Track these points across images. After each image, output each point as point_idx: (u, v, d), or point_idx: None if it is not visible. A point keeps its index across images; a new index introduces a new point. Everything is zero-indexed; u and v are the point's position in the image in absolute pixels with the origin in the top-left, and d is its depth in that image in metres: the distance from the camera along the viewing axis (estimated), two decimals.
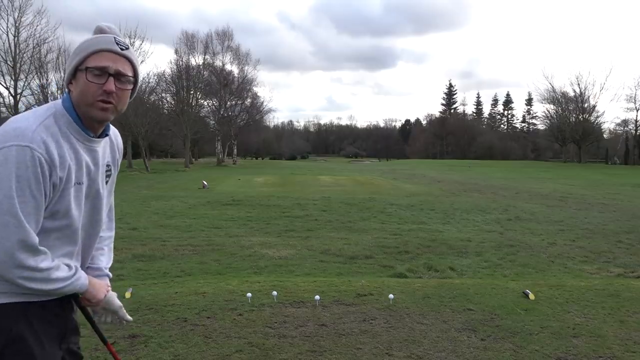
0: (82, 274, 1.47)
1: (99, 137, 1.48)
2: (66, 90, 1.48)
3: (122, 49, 1.43)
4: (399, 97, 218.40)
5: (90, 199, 1.48)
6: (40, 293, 1.37)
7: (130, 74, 1.45)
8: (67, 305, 1.51)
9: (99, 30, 1.46)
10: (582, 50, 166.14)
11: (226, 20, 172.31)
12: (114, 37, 1.43)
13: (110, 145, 1.58)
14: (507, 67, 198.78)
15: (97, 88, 1.38)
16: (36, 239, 1.31)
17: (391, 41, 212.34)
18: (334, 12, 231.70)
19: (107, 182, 1.57)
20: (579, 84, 60.32)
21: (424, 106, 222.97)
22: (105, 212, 1.59)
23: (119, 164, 1.67)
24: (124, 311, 1.69)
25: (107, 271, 1.69)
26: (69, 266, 1.42)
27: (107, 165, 1.55)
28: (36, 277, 1.32)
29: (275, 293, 4.21)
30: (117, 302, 1.66)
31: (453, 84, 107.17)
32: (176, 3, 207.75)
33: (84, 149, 1.42)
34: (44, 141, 1.31)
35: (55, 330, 1.44)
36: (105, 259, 1.70)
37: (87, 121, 1.43)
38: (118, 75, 1.41)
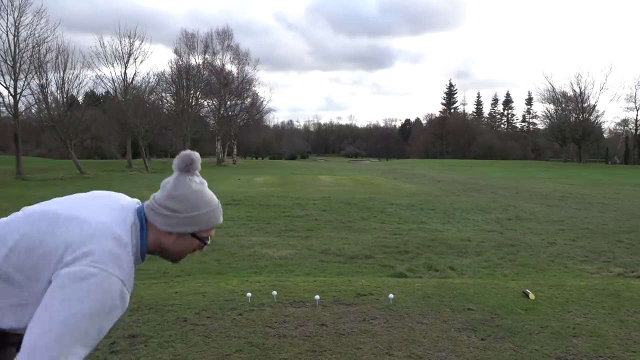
0: None
1: None
2: (160, 216, 1.44)
3: None
4: (397, 97, 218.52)
5: None
6: None
7: None
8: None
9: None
10: (581, 49, 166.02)
11: (222, 20, 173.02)
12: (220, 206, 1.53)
13: None
14: (506, 66, 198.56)
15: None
16: None
17: (388, 41, 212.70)
18: (330, 12, 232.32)
19: None
20: (578, 84, 60.35)
21: (423, 106, 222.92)
22: None
23: None
24: None
25: None
26: None
27: None
28: None
29: (275, 293, 4.21)
30: None
31: (453, 84, 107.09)
32: (172, 3, 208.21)
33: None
34: (129, 274, 1.31)
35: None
36: None
37: (151, 252, 1.47)
38: None
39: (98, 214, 1.36)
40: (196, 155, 1.47)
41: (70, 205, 1.41)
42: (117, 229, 1.34)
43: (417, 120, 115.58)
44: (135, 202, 1.52)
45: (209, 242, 1.51)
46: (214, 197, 1.51)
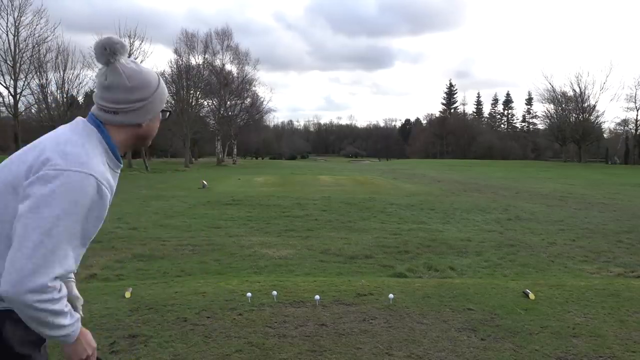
0: (79, 322, 1.36)
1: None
2: (98, 113, 1.43)
3: None
4: (397, 97, 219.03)
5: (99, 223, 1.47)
6: (31, 326, 1.26)
7: None
8: None
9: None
10: (581, 49, 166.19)
11: (222, 20, 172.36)
12: None
13: None
14: (506, 66, 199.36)
15: None
16: (67, 272, 1.26)
17: (387, 41, 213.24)
18: (330, 12, 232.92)
19: None
20: (578, 84, 60.42)
21: (423, 106, 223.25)
22: None
23: None
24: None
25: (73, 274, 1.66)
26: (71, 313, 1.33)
27: None
28: (47, 309, 1.21)
29: (275, 293, 4.21)
30: (77, 293, 1.64)
31: (453, 84, 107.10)
32: (172, 3, 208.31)
33: (113, 177, 1.43)
34: (104, 171, 1.32)
35: (35, 336, 1.37)
36: None
37: (122, 149, 1.46)
38: None
39: (46, 137, 1.39)
40: (109, 38, 1.40)
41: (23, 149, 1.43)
42: (67, 135, 1.35)
43: (417, 120, 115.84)
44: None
45: None
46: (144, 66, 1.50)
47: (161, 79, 1.51)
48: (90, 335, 1.41)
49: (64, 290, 1.27)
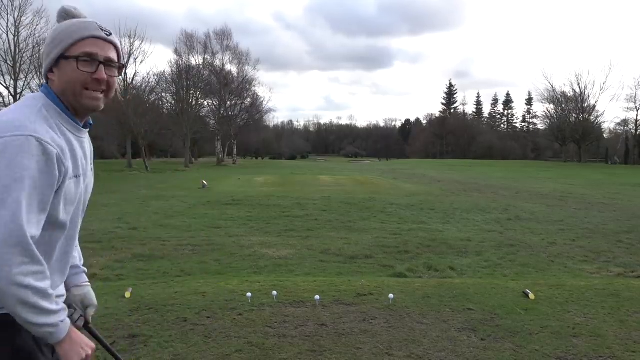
0: (67, 319, 1.27)
1: (84, 127, 1.42)
2: (44, 80, 1.39)
3: (107, 35, 1.37)
4: (397, 97, 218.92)
5: (79, 194, 1.36)
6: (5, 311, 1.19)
7: (117, 60, 1.40)
8: None
9: (66, 14, 1.38)
10: (581, 49, 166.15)
11: (221, 20, 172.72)
12: (96, 23, 1.37)
13: (87, 137, 1.49)
14: (506, 66, 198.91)
15: (88, 76, 1.32)
16: (32, 237, 1.17)
17: (387, 41, 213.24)
18: (329, 12, 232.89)
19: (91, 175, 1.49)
20: (578, 84, 60.43)
21: (423, 106, 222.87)
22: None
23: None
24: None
25: (83, 268, 1.61)
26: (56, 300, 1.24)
27: (91, 157, 1.48)
28: (28, 295, 1.15)
29: (275, 293, 4.21)
30: (95, 301, 1.58)
31: (453, 84, 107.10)
32: (171, 3, 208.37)
33: (75, 140, 1.35)
34: (47, 130, 1.23)
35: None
36: (78, 255, 1.60)
37: (74, 111, 1.36)
38: (107, 62, 1.36)
39: None
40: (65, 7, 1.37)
41: None
42: (9, 109, 1.29)
43: (417, 120, 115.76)
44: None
45: (87, 61, 1.32)
46: (88, 21, 1.38)
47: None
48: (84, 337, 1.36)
49: (43, 280, 1.20)
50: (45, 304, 1.19)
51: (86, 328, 1.55)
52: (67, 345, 1.27)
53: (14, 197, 1.14)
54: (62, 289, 1.45)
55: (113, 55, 1.39)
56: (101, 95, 1.37)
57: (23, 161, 1.16)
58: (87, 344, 1.33)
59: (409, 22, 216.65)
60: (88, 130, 1.44)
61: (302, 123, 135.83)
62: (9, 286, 1.13)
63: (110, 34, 1.39)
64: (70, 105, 1.35)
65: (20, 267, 1.14)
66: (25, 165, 1.16)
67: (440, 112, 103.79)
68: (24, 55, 29.81)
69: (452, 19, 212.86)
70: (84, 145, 1.41)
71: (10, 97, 29.49)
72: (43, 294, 1.19)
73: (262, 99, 55.06)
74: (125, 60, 38.01)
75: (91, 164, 1.48)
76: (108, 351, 1.74)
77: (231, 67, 50.79)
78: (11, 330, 1.24)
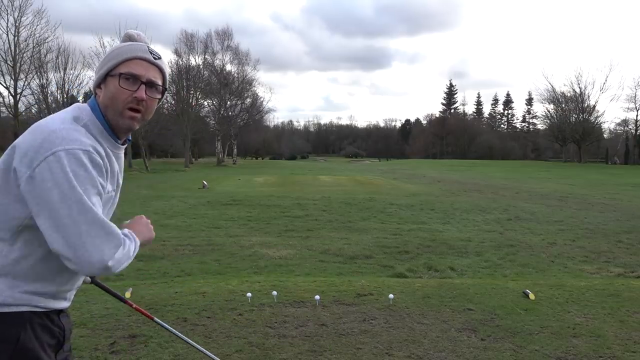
0: (133, 237, 1.41)
1: (122, 144, 1.46)
2: (93, 94, 1.45)
3: (155, 58, 1.43)
4: (396, 97, 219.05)
5: (108, 208, 1.44)
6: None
7: (160, 83, 1.44)
8: (64, 313, 1.48)
9: (128, 38, 1.46)
10: (581, 49, 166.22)
11: (219, 21, 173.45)
12: (147, 46, 1.43)
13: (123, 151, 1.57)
14: (506, 67, 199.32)
15: (129, 95, 1.37)
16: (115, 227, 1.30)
17: (384, 42, 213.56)
18: (326, 13, 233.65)
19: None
20: (578, 84, 60.44)
21: (423, 106, 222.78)
22: None
23: None
24: None
25: None
26: (123, 239, 1.35)
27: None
28: (125, 260, 1.32)
29: (275, 293, 4.21)
30: None
31: (454, 84, 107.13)
32: (169, 4, 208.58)
33: (113, 156, 1.41)
34: (89, 142, 1.29)
35: (55, 341, 1.40)
36: None
37: (113, 128, 1.41)
38: (150, 84, 1.40)
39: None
40: (132, 33, 1.46)
41: None
42: (51, 120, 1.33)
43: (417, 120, 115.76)
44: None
45: (130, 79, 1.38)
46: (140, 43, 1.45)
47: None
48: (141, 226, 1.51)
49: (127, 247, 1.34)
50: (130, 252, 1.34)
51: (94, 282, 1.97)
52: (141, 237, 1.45)
53: (85, 200, 1.23)
54: (79, 281, 1.53)
55: (157, 78, 1.43)
56: (138, 115, 1.41)
57: (80, 171, 1.23)
58: (149, 229, 1.54)
59: (406, 23, 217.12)
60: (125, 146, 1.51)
61: (302, 123, 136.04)
62: (116, 265, 1.29)
63: (159, 57, 1.45)
64: (110, 123, 1.41)
65: (112, 250, 1.27)
66: (82, 175, 1.24)
67: (441, 112, 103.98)
68: (24, 55, 29.84)
69: (449, 19, 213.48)
70: (121, 162, 1.49)
71: (10, 97, 29.50)
72: (126, 253, 1.32)
73: (262, 99, 55.15)
74: None
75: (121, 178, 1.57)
76: (115, 297, 2.21)
77: (231, 67, 50.87)
78: (15, 328, 1.29)
